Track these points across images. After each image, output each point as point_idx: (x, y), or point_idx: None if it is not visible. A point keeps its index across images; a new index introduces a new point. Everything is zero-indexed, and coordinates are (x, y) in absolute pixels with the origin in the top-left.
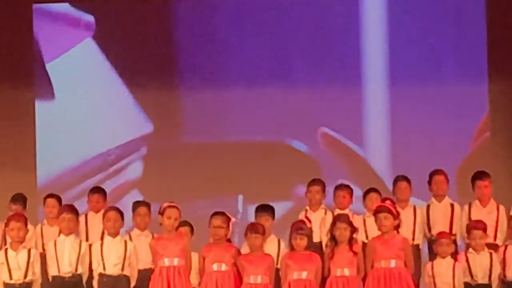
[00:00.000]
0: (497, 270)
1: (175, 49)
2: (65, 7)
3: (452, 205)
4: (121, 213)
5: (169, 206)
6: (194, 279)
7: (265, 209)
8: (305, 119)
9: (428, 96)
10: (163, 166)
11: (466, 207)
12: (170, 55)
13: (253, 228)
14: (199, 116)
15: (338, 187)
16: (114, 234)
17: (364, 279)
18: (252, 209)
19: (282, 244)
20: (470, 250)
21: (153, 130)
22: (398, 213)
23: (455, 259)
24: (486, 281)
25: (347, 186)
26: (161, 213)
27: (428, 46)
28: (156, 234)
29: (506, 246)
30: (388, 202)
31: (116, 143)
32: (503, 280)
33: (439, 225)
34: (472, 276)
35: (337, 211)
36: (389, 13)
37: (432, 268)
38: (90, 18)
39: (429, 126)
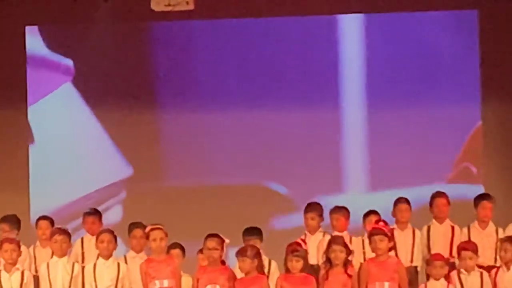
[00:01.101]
0: None
1: (155, 94)
2: (44, 51)
3: (452, 227)
4: (114, 235)
5: (152, 229)
6: None
7: (251, 232)
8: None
9: (407, 118)
10: (142, 209)
11: (465, 230)
12: (151, 101)
13: (239, 252)
14: (179, 160)
15: (333, 210)
16: (107, 256)
17: None
18: (232, 252)
19: (273, 266)
20: (462, 270)
21: (133, 174)
22: (392, 234)
23: (449, 281)
24: None
25: (342, 208)
26: (147, 237)
27: (407, 68)
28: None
29: (497, 269)
30: (381, 223)
31: (96, 187)
32: None
33: (439, 246)
34: None
35: (335, 233)
36: (367, 36)
37: None
38: (69, 63)
39: (408, 146)
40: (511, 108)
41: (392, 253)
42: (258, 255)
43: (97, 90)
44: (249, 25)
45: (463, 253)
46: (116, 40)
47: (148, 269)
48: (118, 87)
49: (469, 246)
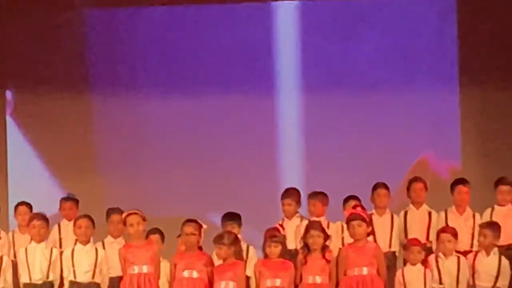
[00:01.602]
0: (465, 275)
1: (90, 82)
2: None
3: (429, 212)
4: (92, 221)
5: (128, 214)
6: (164, 286)
7: (230, 217)
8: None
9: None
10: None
11: (442, 214)
12: (85, 89)
13: (215, 238)
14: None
15: (310, 195)
16: (85, 242)
17: (336, 287)
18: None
19: (251, 251)
20: (440, 254)
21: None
22: (370, 220)
23: (426, 266)
24: (453, 287)
25: (319, 194)
26: (124, 223)
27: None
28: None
29: (476, 253)
30: (359, 209)
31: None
32: (471, 287)
33: (416, 232)
34: (440, 282)
35: (313, 219)
36: (303, 23)
37: (403, 275)
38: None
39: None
40: (489, 93)
41: (370, 238)
42: (235, 241)
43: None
44: (184, 11)
45: (442, 235)
46: (51, 26)
47: (127, 254)
48: (53, 74)
49: (448, 229)
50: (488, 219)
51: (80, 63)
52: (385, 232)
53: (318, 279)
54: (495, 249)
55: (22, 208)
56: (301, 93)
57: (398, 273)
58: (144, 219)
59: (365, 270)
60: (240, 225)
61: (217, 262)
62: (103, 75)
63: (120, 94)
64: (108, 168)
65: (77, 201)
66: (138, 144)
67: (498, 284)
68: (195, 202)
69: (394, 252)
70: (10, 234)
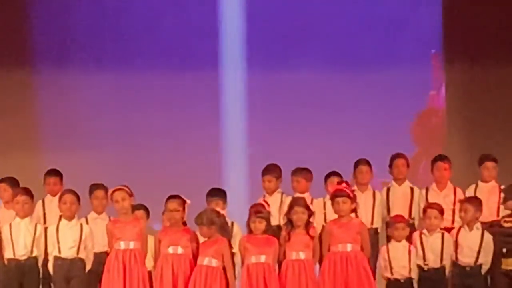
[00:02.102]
0: (449, 252)
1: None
2: None
3: (411, 189)
4: (77, 196)
5: (114, 191)
6: (149, 262)
7: (215, 193)
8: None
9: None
10: None
11: (423, 191)
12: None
13: (195, 219)
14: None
15: (294, 172)
16: (70, 217)
17: (320, 263)
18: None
19: (235, 227)
20: (424, 231)
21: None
22: (355, 196)
23: (410, 242)
24: (437, 264)
25: (303, 170)
26: (111, 199)
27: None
28: (113, 217)
29: (459, 229)
30: (344, 185)
31: None
32: (454, 263)
33: (398, 208)
34: (424, 259)
35: (297, 195)
36: None
37: (388, 251)
38: None
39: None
40: (474, 71)
41: (352, 215)
42: (214, 220)
43: None
44: None
45: (429, 211)
46: None
47: (114, 230)
48: None
49: (435, 205)
50: (472, 195)
51: (19, 37)
52: (367, 209)
53: (302, 255)
54: (478, 224)
55: (2, 185)
56: (246, 71)
57: (383, 249)
58: (130, 195)
59: (349, 247)
60: (225, 201)
61: (202, 238)
62: (46, 50)
63: (63, 70)
64: (49, 144)
65: (61, 176)
66: (80, 122)
67: (480, 260)
68: (139, 178)
69: (376, 229)
70: None
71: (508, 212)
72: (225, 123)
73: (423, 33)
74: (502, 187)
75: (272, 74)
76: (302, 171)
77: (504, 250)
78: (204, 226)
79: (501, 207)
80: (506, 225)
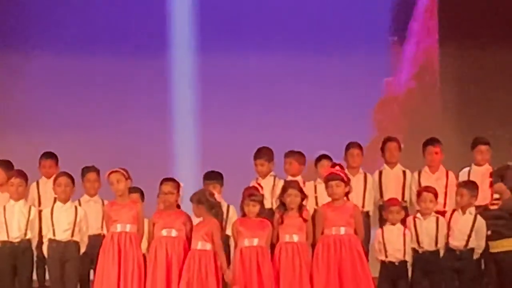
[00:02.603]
0: (443, 235)
1: None
2: None
3: (404, 172)
4: (72, 179)
5: (109, 173)
6: (144, 245)
7: (212, 176)
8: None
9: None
10: None
11: (415, 174)
12: None
13: (191, 198)
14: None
15: (286, 154)
16: (65, 200)
17: (313, 246)
18: None
19: (231, 211)
20: (418, 215)
21: None
22: (348, 179)
23: (405, 226)
24: (432, 247)
25: (295, 153)
26: (108, 181)
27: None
28: (107, 200)
29: (452, 212)
30: (337, 168)
31: None
32: (446, 246)
33: (391, 191)
34: (418, 243)
35: (289, 178)
36: None
37: (383, 234)
38: None
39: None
40: (468, 53)
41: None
42: (202, 199)
43: None
44: None
45: (424, 194)
46: None
47: (110, 212)
48: None
49: (430, 189)
50: (465, 178)
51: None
52: (358, 192)
53: (295, 238)
54: (471, 209)
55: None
56: (196, 53)
57: (378, 232)
58: (126, 178)
59: (342, 230)
60: (221, 184)
61: (196, 220)
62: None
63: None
64: None
65: (57, 159)
66: (30, 105)
67: (472, 244)
68: (87, 161)
69: (367, 212)
70: None
71: (497, 196)
72: (176, 109)
73: (382, 19)
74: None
75: (225, 58)
76: (295, 154)
77: (489, 232)
78: (193, 204)
79: None
80: (492, 207)
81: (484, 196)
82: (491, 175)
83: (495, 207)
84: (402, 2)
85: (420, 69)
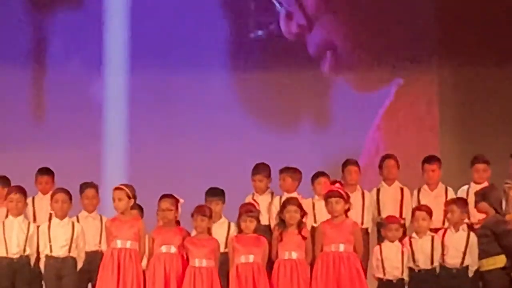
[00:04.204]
0: (438, 254)
1: None
2: None
3: (402, 189)
4: (69, 195)
5: (114, 190)
6: (144, 261)
7: (215, 193)
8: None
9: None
10: None
11: (415, 192)
12: None
13: (199, 211)
14: None
15: (280, 170)
16: (62, 216)
17: (312, 263)
18: None
19: (232, 228)
20: (413, 234)
21: None
22: (348, 196)
23: (403, 244)
24: (428, 266)
25: (289, 169)
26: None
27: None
28: (104, 217)
29: (445, 231)
30: (337, 185)
31: None
32: (441, 265)
33: (389, 209)
34: (414, 262)
35: (285, 194)
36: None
37: (381, 251)
38: None
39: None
40: (466, 69)
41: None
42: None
43: None
44: None
45: (417, 213)
46: None
47: (111, 228)
48: None
49: (423, 207)
50: (464, 196)
51: None
52: (357, 209)
53: (295, 255)
54: (464, 226)
55: None
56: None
57: (376, 249)
58: (129, 197)
59: (341, 247)
60: (223, 201)
61: None
62: None
63: None
64: None
65: (53, 175)
66: None
67: (467, 262)
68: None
69: (366, 229)
70: None
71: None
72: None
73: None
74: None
75: (156, 75)
76: (289, 170)
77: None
78: (206, 218)
79: None
80: (476, 226)
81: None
82: (475, 194)
83: (479, 225)
84: None
85: None
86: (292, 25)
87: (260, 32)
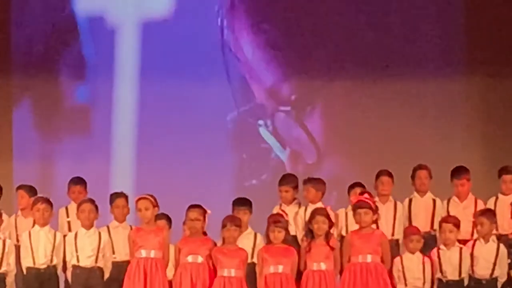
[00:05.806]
0: (467, 265)
1: None
2: None
3: (434, 200)
4: (95, 205)
5: (138, 199)
6: (170, 271)
7: (243, 202)
8: None
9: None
10: None
11: (445, 203)
12: None
13: (232, 220)
14: None
15: (304, 181)
16: (89, 226)
17: (340, 274)
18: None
19: (259, 238)
20: (441, 246)
21: None
22: (377, 207)
23: (428, 256)
24: (456, 277)
25: (313, 180)
26: (136, 207)
27: None
28: (135, 226)
29: (474, 241)
30: (366, 195)
31: None
32: (470, 276)
33: (421, 220)
34: (442, 273)
35: (310, 205)
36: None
37: (402, 262)
38: None
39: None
40: (495, 82)
41: (373, 226)
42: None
43: None
44: None
45: (444, 225)
46: None
47: (136, 238)
48: None
49: (450, 219)
50: (492, 208)
51: None
52: (388, 220)
53: (323, 266)
54: (494, 237)
55: (20, 192)
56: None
57: (397, 260)
58: (154, 205)
59: (369, 258)
60: (251, 211)
61: None
62: None
63: None
64: None
65: (85, 184)
66: None
67: (496, 273)
68: None
69: (397, 240)
70: (13, 217)
71: None
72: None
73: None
74: None
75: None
76: (312, 181)
77: (509, 260)
78: (238, 228)
79: None
80: (511, 236)
81: (510, 225)
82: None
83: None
84: None
85: None
86: None
87: None
